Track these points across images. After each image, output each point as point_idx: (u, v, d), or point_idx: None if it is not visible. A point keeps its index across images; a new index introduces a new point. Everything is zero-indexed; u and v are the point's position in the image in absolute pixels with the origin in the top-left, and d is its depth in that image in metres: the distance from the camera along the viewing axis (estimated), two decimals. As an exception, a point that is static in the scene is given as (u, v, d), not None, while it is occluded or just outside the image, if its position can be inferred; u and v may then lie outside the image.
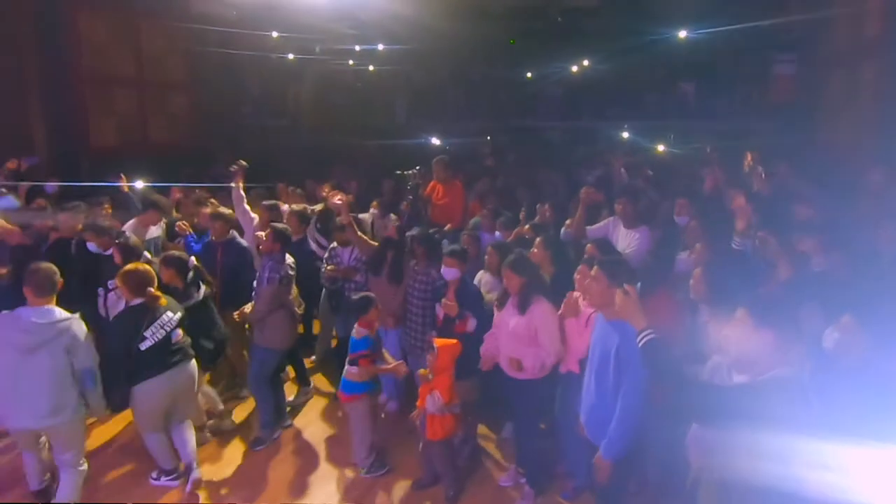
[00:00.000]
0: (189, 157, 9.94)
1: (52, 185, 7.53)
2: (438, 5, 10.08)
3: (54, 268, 3.35)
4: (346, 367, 3.95)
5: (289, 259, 4.51)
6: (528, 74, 15.45)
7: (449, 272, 4.01)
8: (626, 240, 4.32)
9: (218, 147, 10.45)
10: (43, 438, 3.55)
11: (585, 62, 14.71)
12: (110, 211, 5.61)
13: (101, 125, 9.79)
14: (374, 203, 6.17)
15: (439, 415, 3.58)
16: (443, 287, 4.16)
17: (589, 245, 4.02)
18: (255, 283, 4.43)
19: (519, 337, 3.59)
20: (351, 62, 13.44)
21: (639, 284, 2.90)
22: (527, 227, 4.85)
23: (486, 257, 4.41)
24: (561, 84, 15.49)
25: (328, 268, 4.90)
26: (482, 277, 4.49)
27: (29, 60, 8.62)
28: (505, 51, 14.00)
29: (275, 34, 11.31)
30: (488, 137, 13.63)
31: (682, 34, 12.39)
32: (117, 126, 10.03)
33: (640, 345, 2.26)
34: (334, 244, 5.07)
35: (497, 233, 5.32)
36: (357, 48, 12.59)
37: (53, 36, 8.85)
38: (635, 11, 11.34)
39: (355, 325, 3.97)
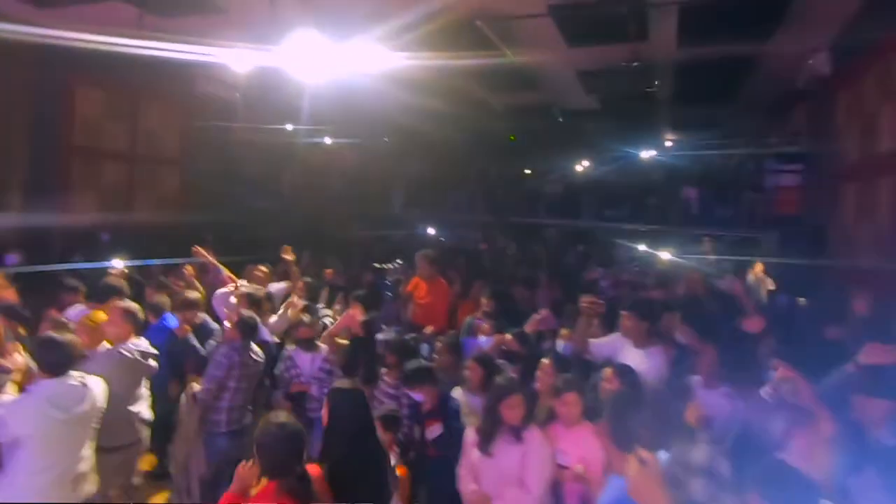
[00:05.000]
0: (174, 235, 9.56)
1: (11, 258, 7.05)
2: (440, 98, 10.07)
3: None
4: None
5: (256, 350, 3.89)
6: (527, 171, 15.47)
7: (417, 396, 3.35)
8: (636, 361, 3.66)
9: (205, 227, 10.07)
10: None
11: (586, 162, 14.77)
12: None
13: (84, 199, 9.45)
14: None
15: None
16: (412, 409, 3.49)
17: (608, 371, 3.34)
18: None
19: (508, 477, 2.90)
20: (349, 150, 13.41)
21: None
22: (508, 335, 4.23)
23: (467, 371, 3.74)
24: (561, 183, 15.46)
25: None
26: (460, 396, 3.80)
27: (19, 130, 8.39)
28: (505, 147, 14.05)
29: (275, 119, 11.28)
30: (484, 233, 13.33)
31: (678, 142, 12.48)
32: (100, 200, 9.70)
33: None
34: (290, 347, 4.39)
35: (483, 337, 4.68)
36: (356, 138, 12.59)
37: (47, 107, 8.68)
38: (637, 116, 11.38)
39: None
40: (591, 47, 8.29)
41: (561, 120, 12.27)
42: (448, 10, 6.37)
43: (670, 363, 3.74)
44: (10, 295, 5.22)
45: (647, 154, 12.59)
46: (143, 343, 3.66)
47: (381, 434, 3.25)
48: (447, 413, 3.45)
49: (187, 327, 4.42)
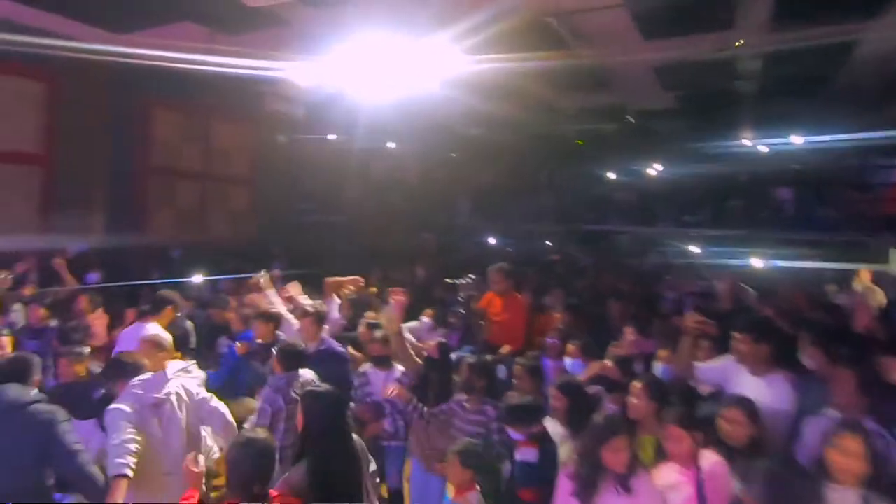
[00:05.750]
0: (245, 251, 9.73)
1: (93, 276, 7.23)
2: (506, 103, 9.70)
3: None
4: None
5: (306, 376, 3.62)
6: (598, 177, 14.78)
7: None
8: (755, 391, 3.11)
9: (274, 243, 10.19)
10: None
11: (660, 166, 13.94)
12: None
13: (160, 218, 9.76)
14: (429, 311, 5.25)
15: None
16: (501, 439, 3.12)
17: (734, 411, 2.77)
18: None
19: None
20: (413, 160, 13.27)
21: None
22: (608, 362, 3.75)
23: (552, 400, 3.32)
24: (633, 188, 14.66)
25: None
26: (550, 426, 3.38)
27: (99, 151, 8.73)
28: (574, 152, 13.47)
29: (340, 132, 11.29)
30: (554, 242, 12.77)
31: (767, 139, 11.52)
32: (175, 218, 9.99)
33: None
34: (365, 365, 4.12)
35: (568, 360, 4.23)
36: (420, 147, 12.43)
37: (125, 129, 9.00)
38: (719, 113, 10.55)
39: None
40: (669, 40, 7.69)
41: (633, 121, 11.60)
42: (518, 9, 6.01)
43: (797, 393, 3.15)
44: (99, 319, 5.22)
45: (730, 153, 11.69)
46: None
47: (457, 472, 2.89)
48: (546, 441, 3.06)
49: (243, 346, 4.30)
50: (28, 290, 5.36)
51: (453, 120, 10.82)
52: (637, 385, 3.06)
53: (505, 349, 4.59)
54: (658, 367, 3.75)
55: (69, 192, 8.30)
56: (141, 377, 3.01)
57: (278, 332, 4.38)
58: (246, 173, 11.22)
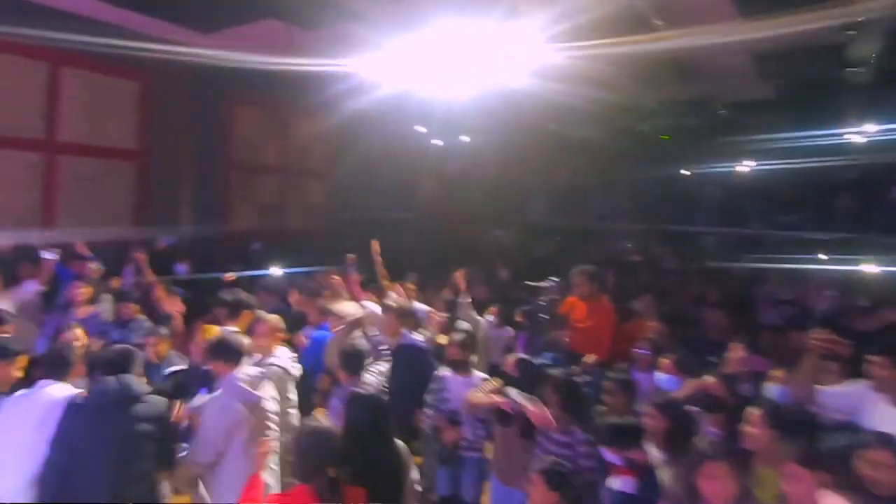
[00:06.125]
0: (319, 245, 9.90)
1: (181, 268, 7.49)
2: (585, 96, 9.25)
3: None
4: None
5: (370, 380, 3.57)
6: (683, 173, 13.92)
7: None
8: (894, 423, 2.65)
9: (346, 236, 10.28)
10: None
11: (752, 161, 12.95)
12: None
13: (241, 211, 10.07)
14: (493, 309, 5.01)
15: None
16: (592, 460, 2.83)
17: (885, 454, 2.34)
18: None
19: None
20: (488, 155, 12.99)
21: None
22: (711, 379, 3.34)
23: (648, 420, 2.98)
24: (722, 185, 13.70)
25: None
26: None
27: (186, 147, 9.08)
28: (657, 147, 12.73)
29: (414, 126, 11.22)
30: (636, 242, 12.13)
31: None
32: (255, 212, 10.29)
33: None
34: (443, 370, 3.93)
35: (660, 374, 3.85)
36: (496, 142, 12.13)
37: (210, 126, 9.32)
38: (825, 104, 9.58)
39: None
40: (771, 18, 6.96)
41: (724, 113, 10.78)
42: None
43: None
44: (175, 305, 5.43)
45: (836, 148, 10.63)
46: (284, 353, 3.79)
47: (541, 493, 2.62)
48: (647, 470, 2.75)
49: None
50: (115, 282, 5.58)
51: (530, 114, 10.45)
52: (755, 412, 2.68)
53: (589, 358, 4.26)
54: (771, 389, 3.31)
55: (160, 187, 8.69)
56: (244, 373, 3.10)
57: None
58: (322, 168, 11.41)
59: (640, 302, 5.11)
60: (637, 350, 4.08)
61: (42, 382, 2.91)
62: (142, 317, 4.88)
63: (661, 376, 3.81)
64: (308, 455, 2.30)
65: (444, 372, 3.87)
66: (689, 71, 8.81)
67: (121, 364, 2.85)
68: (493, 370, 3.97)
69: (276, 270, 7.20)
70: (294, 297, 5.23)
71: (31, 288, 4.80)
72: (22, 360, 3.10)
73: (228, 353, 3.10)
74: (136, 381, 2.83)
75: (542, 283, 5.18)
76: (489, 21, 6.42)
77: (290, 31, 7.96)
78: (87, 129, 7.86)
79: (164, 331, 4.32)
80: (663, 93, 10.16)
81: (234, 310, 4.23)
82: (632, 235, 12.53)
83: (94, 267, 5.79)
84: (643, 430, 2.85)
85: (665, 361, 3.79)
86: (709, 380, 3.40)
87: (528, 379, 3.61)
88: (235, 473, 2.83)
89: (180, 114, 8.91)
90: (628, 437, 2.75)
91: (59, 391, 2.86)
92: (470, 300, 5.13)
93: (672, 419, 2.90)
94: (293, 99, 9.87)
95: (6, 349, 3.02)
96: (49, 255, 4.61)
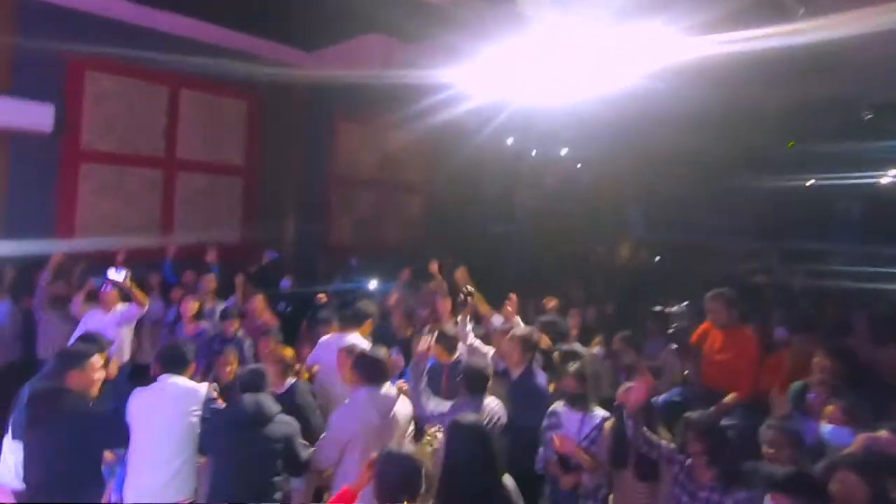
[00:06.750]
0: (418, 259, 9.81)
1: (286, 282, 7.57)
2: (698, 97, 8.44)
3: None
4: None
5: (493, 405, 3.28)
6: (811, 185, 12.43)
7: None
8: None
9: (444, 250, 10.11)
10: None
11: (898, 171, 11.32)
12: None
13: (340, 224, 10.19)
14: (597, 339, 4.49)
15: None
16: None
17: None
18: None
19: None
20: (587, 167, 12.34)
21: None
22: (885, 432, 2.65)
23: (836, 485, 2.37)
24: (859, 198, 12.09)
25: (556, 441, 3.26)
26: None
27: (291, 163, 9.32)
28: (782, 155, 11.45)
29: (513, 138, 10.87)
30: (758, 261, 10.93)
31: None
32: (356, 226, 10.37)
33: None
34: (558, 404, 3.49)
35: (826, 424, 3.16)
36: (595, 153, 11.48)
37: (316, 142, 9.52)
38: None
39: None
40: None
41: (870, 117, 9.44)
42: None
43: None
44: (268, 318, 5.47)
45: None
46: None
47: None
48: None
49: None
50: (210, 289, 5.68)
51: (638, 120, 9.74)
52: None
53: (729, 398, 3.63)
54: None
55: (266, 202, 8.96)
56: (372, 389, 3.12)
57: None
58: (419, 181, 11.34)
59: (784, 332, 4.35)
60: (811, 395, 3.37)
61: (163, 377, 3.09)
62: (241, 332, 4.88)
63: (826, 427, 3.13)
64: (385, 480, 2.24)
65: (559, 407, 3.43)
66: (831, 66, 7.74)
67: (255, 383, 3.01)
68: (605, 404, 3.46)
69: (373, 286, 7.11)
70: (397, 317, 5.04)
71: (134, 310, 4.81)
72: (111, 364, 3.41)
73: (370, 370, 3.17)
74: (270, 402, 2.98)
75: (671, 308, 4.55)
76: (599, 21, 5.98)
77: (390, 45, 7.94)
78: (201, 146, 8.24)
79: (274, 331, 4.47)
80: (793, 91, 9.07)
81: (358, 318, 4.28)
82: (752, 253, 11.31)
83: (211, 279, 5.95)
84: (825, 490, 2.26)
85: (832, 408, 3.11)
86: (883, 435, 2.71)
87: (649, 417, 3.10)
88: (342, 483, 2.85)
89: (286, 131, 9.16)
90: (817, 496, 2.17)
91: (191, 383, 3.13)
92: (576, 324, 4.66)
93: (870, 485, 2.29)
94: (392, 113, 9.89)
95: (78, 354, 3.11)
96: (116, 274, 4.57)
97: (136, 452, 2.98)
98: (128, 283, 4.52)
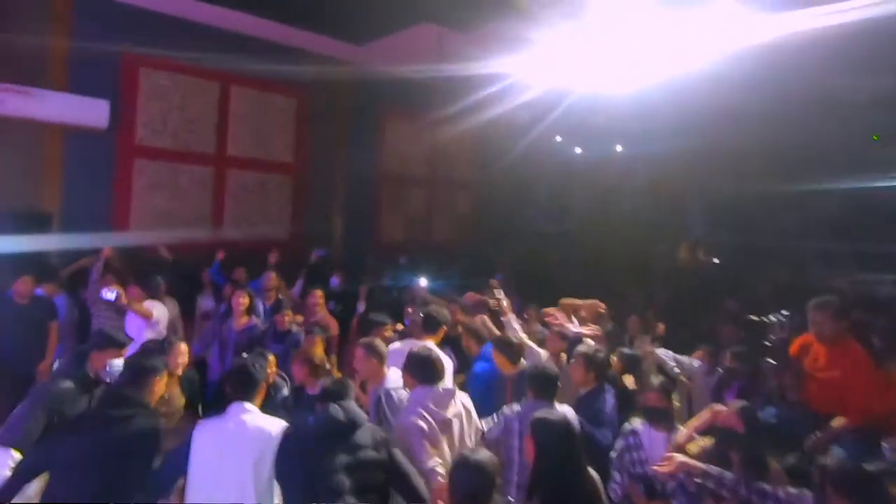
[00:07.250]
0: (466, 256, 9.55)
1: (335, 280, 7.40)
2: (769, 89, 7.79)
3: None
4: None
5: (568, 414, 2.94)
6: (896, 182, 11.38)
7: None
8: None
9: (495, 250, 9.78)
10: None
11: None
12: None
13: (390, 222, 10.00)
14: (701, 352, 4.02)
15: None
16: None
17: None
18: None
19: None
20: (645, 164, 11.70)
21: None
22: None
23: None
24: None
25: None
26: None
27: (339, 160, 9.17)
28: (864, 151, 10.53)
29: (567, 134, 10.41)
30: (829, 265, 10.07)
31: None
32: (405, 224, 10.17)
33: None
34: (636, 422, 3.09)
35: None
36: (655, 147, 10.84)
37: (364, 139, 9.34)
38: None
39: None
40: None
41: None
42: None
43: None
44: (325, 315, 5.29)
45: None
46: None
47: None
48: None
49: None
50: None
51: (702, 113, 9.11)
52: None
53: (837, 423, 3.13)
54: None
55: (315, 199, 8.83)
56: (428, 390, 3.04)
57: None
58: (467, 179, 11.05)
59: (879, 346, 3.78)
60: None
61: (235, 407, 2.77)
62: (297, 328, 4.72)
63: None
64: (456, 486, 2.20)
65: (638, 424, 3.03)
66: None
67: (339, 393, 2.84)
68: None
69: (424, 283, 6.84)
70: (456, 315, 4.75)
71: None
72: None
73: (421, 371, 3.10)
74: (357, 409, 2.81)
75: (770, 318, 4.05)
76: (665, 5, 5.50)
77: (442, 35, 7.65)
78: (251, 143, 8.17)
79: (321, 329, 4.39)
80: (883, 81, 8.25)
81: (432, 325, 4.03)
82: (827, 257, 10.41)
83: (273, 277, 5.82)
84: None
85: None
86: None
87: (755, 437, 2.68)
88: None
89: (335, 128, 9.02)
90: None
91: (268, 424, 2.74)
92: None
93: None
94: (442, 108, 9.60)
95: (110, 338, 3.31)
96: (109, 294, 4.53)
97: (195, 497, 2.62)
98: (123, 301, 4.51)
